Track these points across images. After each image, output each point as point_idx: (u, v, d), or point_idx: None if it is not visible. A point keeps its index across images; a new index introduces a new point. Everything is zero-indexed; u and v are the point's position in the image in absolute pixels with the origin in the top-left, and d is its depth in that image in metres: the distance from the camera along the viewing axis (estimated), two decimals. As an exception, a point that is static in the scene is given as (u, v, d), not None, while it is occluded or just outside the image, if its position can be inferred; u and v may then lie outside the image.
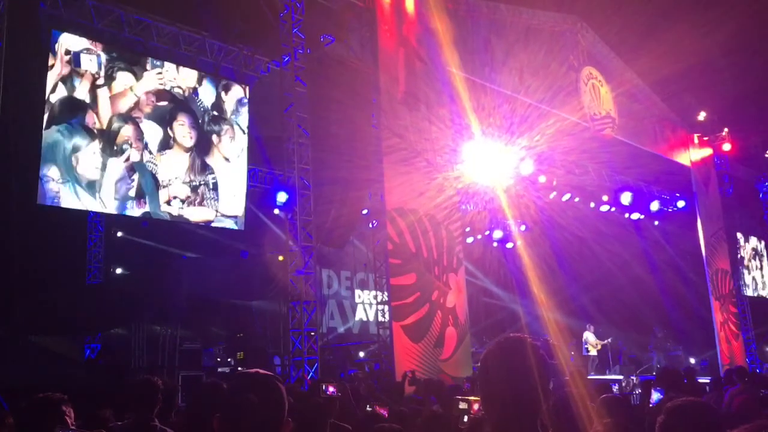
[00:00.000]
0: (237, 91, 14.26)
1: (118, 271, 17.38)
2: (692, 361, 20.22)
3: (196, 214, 13.19)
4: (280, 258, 15.48)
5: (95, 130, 11.85)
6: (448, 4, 14.71)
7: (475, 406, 3.88)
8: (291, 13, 13.46)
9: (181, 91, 13.28)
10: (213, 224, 13.59)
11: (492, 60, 15.77)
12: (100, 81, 12.00)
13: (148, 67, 12.86)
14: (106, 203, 11.90)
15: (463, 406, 4.17)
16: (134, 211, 12.34)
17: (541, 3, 16.68)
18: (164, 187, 12.65)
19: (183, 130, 13.05)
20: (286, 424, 2.27)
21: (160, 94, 12.89)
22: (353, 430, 4.37)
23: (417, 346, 13.41)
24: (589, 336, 19.21)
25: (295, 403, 5.72)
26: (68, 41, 11.71)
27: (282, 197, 14.01)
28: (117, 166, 12.10)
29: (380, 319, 14.38)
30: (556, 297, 18.92)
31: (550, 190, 19.08)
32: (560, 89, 17.04)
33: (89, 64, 11.90)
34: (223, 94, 13.95)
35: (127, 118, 12.34)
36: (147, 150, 12.53)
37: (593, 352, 19.07)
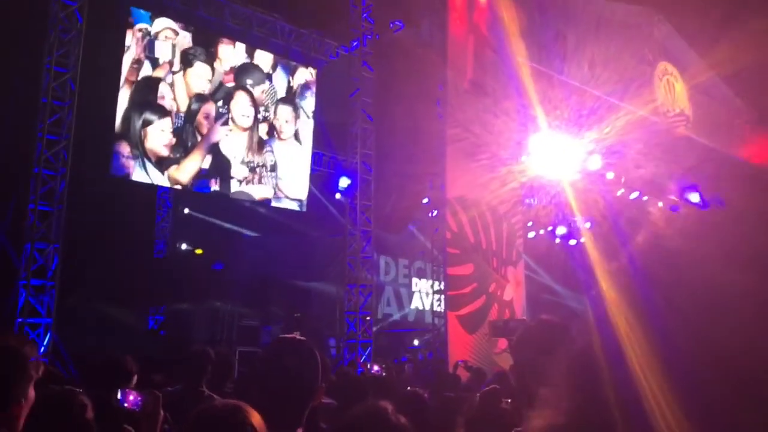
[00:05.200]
0: (304, 75, 14.47)
1: (183, 246, 17.86)
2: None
3: (257, 192, 13.49)
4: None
5: (170, 109, 12.23)
6: (520, -8, 14.48)
7: None
8: (361, -2, 13.53)
9: (251, 74, 13.60)
10: (275, 204, 13.88)
11: (562, 51, 15.45)
12: (176, 67, 12.38)
13: (221, 49, 13.19)
14: (180, 180, 12.30)
15: None
16: (206, 187, 12.77)
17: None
18: (231, 165, 13.00)
19: (238, 109, 13.31)
20: (319, 389, 2.31)
21: (228, 75, 13.21)
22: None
23: (471, 337, 13.36)
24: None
25: (336, 379, 5.79)
26: (145, 24, 12.10)
27: (344, 182, 14.13)
28: (192, 144, 12.51)
29: (436, 308, 14.38)
30: (624, 296, 18.38)
31: (617, 186, 18.58)
32: (632, 82, 16.55)
33: (163, 52, 12.29)
34: (292, 78, 14.20)
35: (204, 97, 12.71)
36: (219, 129, 12.91)
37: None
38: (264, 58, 13.84)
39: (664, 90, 17.77)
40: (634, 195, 19.10)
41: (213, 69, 12.95)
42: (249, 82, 13.26)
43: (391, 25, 14.65)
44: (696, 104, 18.74)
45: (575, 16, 15.78)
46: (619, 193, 18.82)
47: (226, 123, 13.03)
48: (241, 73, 13.21)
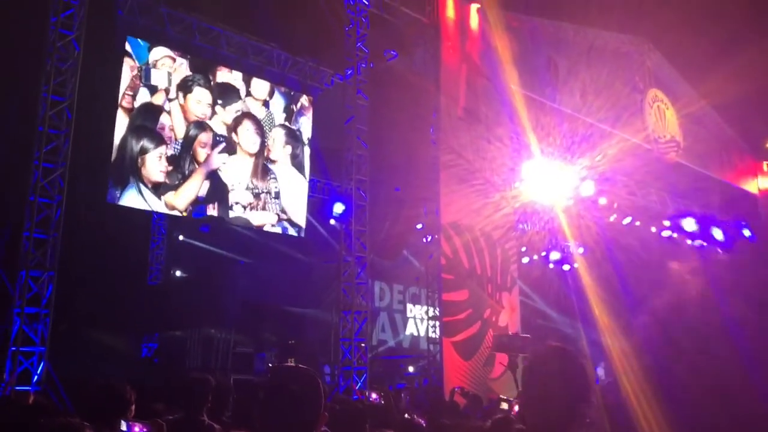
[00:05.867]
0: (302, 102, 14.63)
1: (178, 273, 17.83)
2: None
3: (258, 218, 13.56)
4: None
5: (166, 136, 12.32)
6: (512, 22, 14.69)
7: (516, 408, 3.89)
8: (356, 28, 13.66)
9: (251, 100, 13.74)
10: (275, 229, 13.93)
11: (554, 79, 15.66)
12: (172, 95, 12.49)
13: (219, 75, 13.33)
14: (177, 206, 12.34)
15: (504, 406, 4.18)
16: (202, 214, 12.82)
17: (606, 23, 16.47)
18: (229, 191, 13.08)
19: (248, 136, 13.48)
20: (322, 416, 2.33)
21: (227, 102, 13.34)
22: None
23: (467, 363, 13.32)
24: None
25: (336, 406, 5.79)
26: (141, 51, 12.23)
27: (339, 208, 14.17)
28: (189, 170, 12.57)
29: (431, 334, 14.35)
30: (618, 322, 18.41)
31: (610, 212, 18.71)
32: (623, 110, 16.76)
33: (160, 79, 12.40)
34: (294, 105, 14.38)
35: (202, 125, 12.81)
36: (217, 155, 13.00)
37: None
38: (260, 86, 13.98)
39: (655, 116, 17.99)
40: (627, 220, 19.23)
41: (212, 93, 13.10)
42: (219, 101, 13.33)
43: (385, 53, 14.83)
44: (686, 131, 18.96)
45: (566, 45, 16.02)
46: (611, 219, 18.95)
47: (223, 150, 13.12)
48: (215, 93, 13.29)
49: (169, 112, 12.43)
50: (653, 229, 20.01)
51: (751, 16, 14.85)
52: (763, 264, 21.03)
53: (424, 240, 15.19)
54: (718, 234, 20.45)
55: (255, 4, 13.33)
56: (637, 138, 17.10)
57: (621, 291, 20.19)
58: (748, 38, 14.49)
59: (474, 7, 14.86)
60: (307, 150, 14.57)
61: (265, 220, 13.68)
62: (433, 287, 14.27)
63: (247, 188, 13.36)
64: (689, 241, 20.55)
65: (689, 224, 19.11)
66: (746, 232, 21.67)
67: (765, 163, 22.44)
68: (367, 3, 13.76)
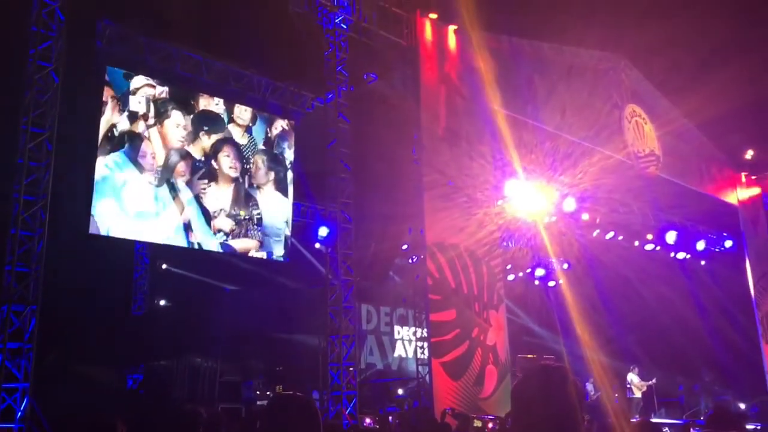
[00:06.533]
0: (282, 126, 14.64)
1: (162, 302, 17.65)
2: (742, 406, 19.50)
3: (241, 245, 13.48)
4: None
5: (147, 164, 12.25)
6: (491, 43, 14.81)
7: (489, 425, 3.87)
8: (335, 52, 13.73)
9: (233, 127, 13.74)
10: (260, 254, 13.86)
11: (534, 98, 15.79)
12: (151, 121, 12.45)
13: (201, 102, 13.32)
14: (157, 234, 12.25)
15: (477, 424, 4.15)
16: (185, 242, 12.71)
17: (584, 41, 16.69)
18: (212, 218, 13.01)
19: (228, 162, 13.45)
20: None
21: (213, 129, 13.33)
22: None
23: (456, 383, 13.24)
24: (633, 377, 18.74)
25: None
26: (120, 80, 12.20)
27: (323, 231, 14.13)
28: (170, 198, 12.49)
29: (419, 355, 14.28)
30: (600, 337, 18.51)
31: (593, 227, 18.87)
32: (604, 127, 16.92)
33: (137, 105, 12.37)
34: (271, 130, 14.37)
35: (181, 152, 12.76)
36: (197, 182, 12.93)
37: (638, 394, 18.57)
38: (243, 112, 13.98)
39: (634, 131, 18.18)
40: (610, 235, 19.41)
41: (191, 118, 13.07)
42: (205, 128, 13.30)
43: (365, 76, 14.90)
44: (665, 145, 19.18)
45: (546, 64, 16.18)
46: (594, 234, 19.11)
47: (204, 176, 13.06)
48: (197, 120, 13.25)
49: (148, 139, 12.38)
50: (636, 243, 20.19)
51: (728, 32, 15.15)
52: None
53: (410, 261, 15.17)
54: (700, 246, 20.68)
55: (234, 31, 13.36)
56: (617, 154, 17.26)
57: (602, 306, 20.34)
58: (725, 53, 14.77)
59: (452, 29, 14.99)
60: (290, 174, 14.57)
61: (247, 245, 13.61)
62: (420, 308, 14.23)
63: (229, 215, 13.30)
64: (672, 254, 20.76)
65: (671, 237, 19.30)
66: (728, 243, 21.94)
67: (743, 174, 22.73)
68: (345, 27, 13.84)
